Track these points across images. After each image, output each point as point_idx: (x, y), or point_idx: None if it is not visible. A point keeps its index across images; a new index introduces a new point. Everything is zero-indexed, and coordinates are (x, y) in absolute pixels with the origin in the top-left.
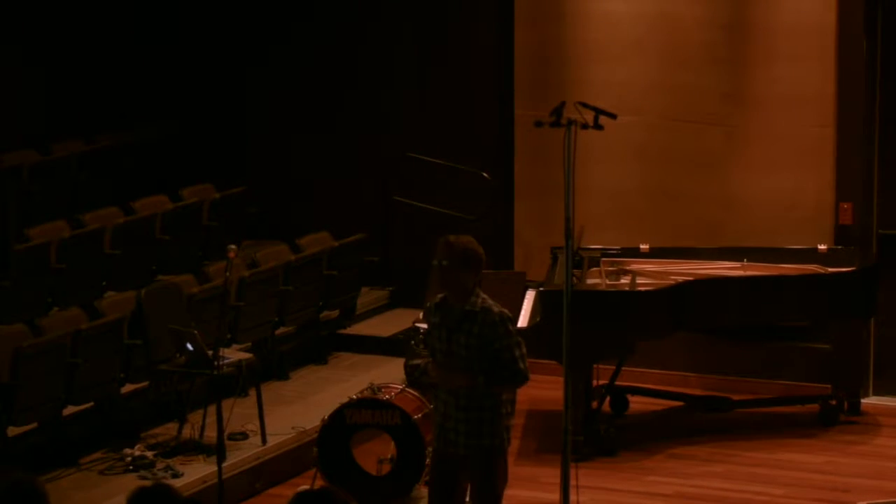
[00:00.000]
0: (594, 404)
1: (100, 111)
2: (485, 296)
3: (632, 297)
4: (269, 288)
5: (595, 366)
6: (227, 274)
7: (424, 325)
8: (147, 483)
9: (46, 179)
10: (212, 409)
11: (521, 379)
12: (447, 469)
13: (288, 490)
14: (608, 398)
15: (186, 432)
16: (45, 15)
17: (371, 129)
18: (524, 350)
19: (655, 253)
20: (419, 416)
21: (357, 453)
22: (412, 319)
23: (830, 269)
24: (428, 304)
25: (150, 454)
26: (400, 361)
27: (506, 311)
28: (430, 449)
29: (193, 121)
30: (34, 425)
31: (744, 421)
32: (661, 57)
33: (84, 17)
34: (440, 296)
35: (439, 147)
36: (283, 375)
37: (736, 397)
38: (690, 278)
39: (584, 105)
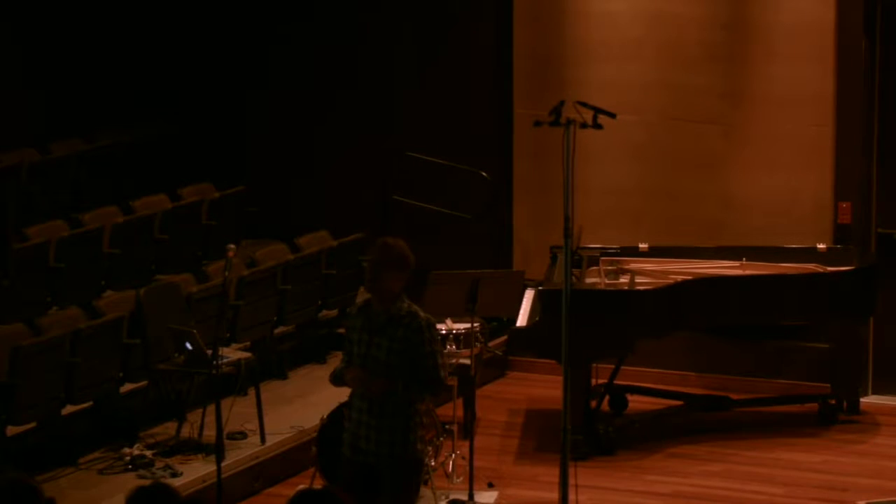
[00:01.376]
0: (593, 403)
1: (99, 110)
2: (409, 301)
3: (631, 297)
4: (269, 287)
5: (594, 365)
6: (227, 273)
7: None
8: (146, 482)
9: (46, 178)
10: (211, 408)
11: (439, 388)
12: (357, 478)
13: (287, 489)
14: (607, 397)
15: (185, 432)
16: (45, 14)
17: (370, 128)
18: (445, 360)
19: (654, 252)
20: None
21: None
22: None
23: (829, 269)
24: (348, 309)
25: (149, 453)
26: None
27: (431, 317)
28: (429, 448)
29: (193, 120)
30: (33, 424)
31: (743, 420)
32: (660, 56)
33: (83, 16)
34: (361, 300)
35: (438, 146)
36: (282, 375)
37: (735, 396)
38: (689, 277)
39: (584, 104)
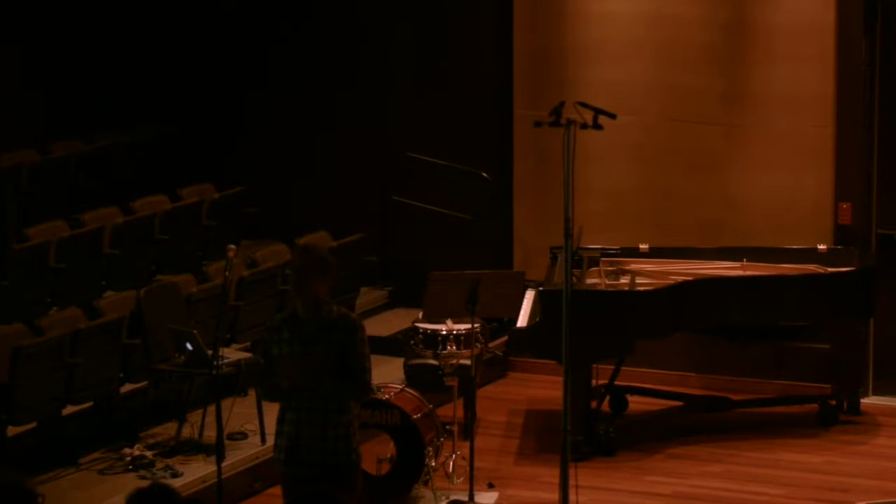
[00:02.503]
0: (593, 404)
1: (99, 111)
2: (336, 304)
3: (631, 297)
4: (269, 288)
5: (594, 366)
6: (227, 273)
7: (426, 325)
8: (146, 483)
9: (45, 179)
10: (211, 408)
11: (366, 392)
12: (304, 490)
13: None
14: (607, 398)
15: (186, 432)
16: (44, 15)
17: (370, 128)
18: (370, 365)
19: (655, 253)
20: (418, 415)
21: None
22: (411, 319)
23: (830, 269)
24: (269, 324)
25: (149, 454)
26: (399, 361)
27: (359, 319)
28: (429, 448)
29: (193, 120)
30: (33, 425)
31: (743, 421)
32: (660, 57)
33: (83, 17)
34: (282, 313)
35: (439, 147)
36: None
37: (735, 397)
38: (690, 278)
39: (584, 105)
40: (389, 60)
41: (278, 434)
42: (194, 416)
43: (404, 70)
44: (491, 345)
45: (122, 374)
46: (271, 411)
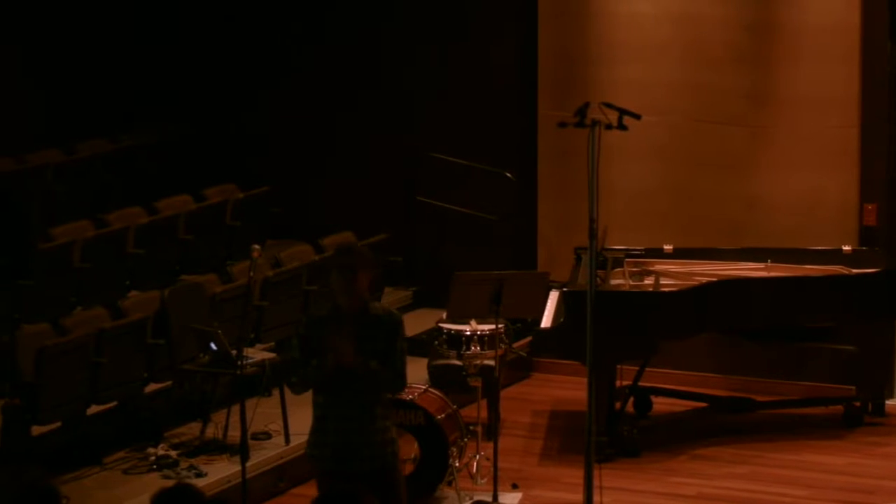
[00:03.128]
0: (617, 405)
1: (124, 111)
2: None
3: (655, 298)
4: (293, 288)
5: (618, 366)
6: (251, 274)
7: (449, 326)
8: (171, 483)
9: (70, 179)
10: (235, 408)
11: (404, 385)
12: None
13: (311, 490)
14: (632, 399)
15: (210, 432)
16: (71, 16)
17: (394, 128)
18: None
19: (679, 254)
20: (442, 416)
21: None
22: (435, 319)
23: (855, 271)
24: (306, 319)
25: (173, 454)
26: (423, 362)
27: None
28: (453, 449)
29: (217, 120)
30: (58, 424)
31: (767, 422)
32: (685, 57)
33: (109, 17)
34: (318, 310)
35: (463, 147)
36: None
37: (759, 398)
38: (714, 279)
39: (609, 105)
40: (412, 60)
41: (320, 432)
42: (218, 416)
43: (428, 69)
44: (515, 345)
45: (146, 374)
46: (295, 411)
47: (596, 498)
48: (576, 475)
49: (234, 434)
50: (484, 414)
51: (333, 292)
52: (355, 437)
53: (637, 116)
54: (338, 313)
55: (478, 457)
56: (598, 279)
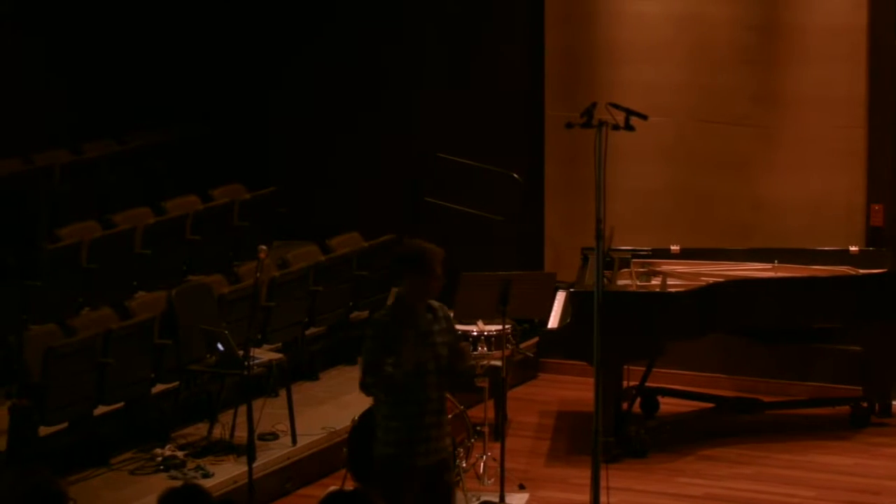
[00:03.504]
0: (625, 405)
1: (131, 111)
2: None
3: (662, 299)
4: (300, 288)
5: (625, 367)
6: (258, 274)
7: (457, 326)
8: (177, 483)
9: (77, 179)
10: (242, 409)
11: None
12: (426, 480)
13: (318, 490)
14: (639, 399)
15: (217, 432)
16: (78, 18)
17: (401, 129)
18: None
19: (686, 254)
20: (449, 416)
21: None
22: None
23: (862, 271)
24: (374, 321)
25: (180, 454)
26: None
27: None
28: (460, 449)
29: (224, 121)
30: (65, 425)
31: (774, 423)
32: (692, 58)
33: (114, 17)
34: (384, 312)
35: (469, 147)
36: (313, 376)
37: (766, 399)
38: (721, 280)
39: (616, 106)
40: (420, 60)
41: (397, 430)
42: (225, 417)
43: (435, 70)
44: (522, 346)
45: (153, 375)
46: (302, 412)
47: (603, 498)
48: (583, 476)
49: (241, 435)
50: (491, 414)
51: (405, 293)
52: (434, 431)
53: (644, 117)
54: (408, 315)
55: (485, 457)
56: (605, 280)
